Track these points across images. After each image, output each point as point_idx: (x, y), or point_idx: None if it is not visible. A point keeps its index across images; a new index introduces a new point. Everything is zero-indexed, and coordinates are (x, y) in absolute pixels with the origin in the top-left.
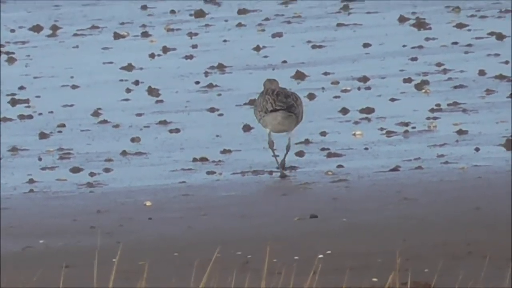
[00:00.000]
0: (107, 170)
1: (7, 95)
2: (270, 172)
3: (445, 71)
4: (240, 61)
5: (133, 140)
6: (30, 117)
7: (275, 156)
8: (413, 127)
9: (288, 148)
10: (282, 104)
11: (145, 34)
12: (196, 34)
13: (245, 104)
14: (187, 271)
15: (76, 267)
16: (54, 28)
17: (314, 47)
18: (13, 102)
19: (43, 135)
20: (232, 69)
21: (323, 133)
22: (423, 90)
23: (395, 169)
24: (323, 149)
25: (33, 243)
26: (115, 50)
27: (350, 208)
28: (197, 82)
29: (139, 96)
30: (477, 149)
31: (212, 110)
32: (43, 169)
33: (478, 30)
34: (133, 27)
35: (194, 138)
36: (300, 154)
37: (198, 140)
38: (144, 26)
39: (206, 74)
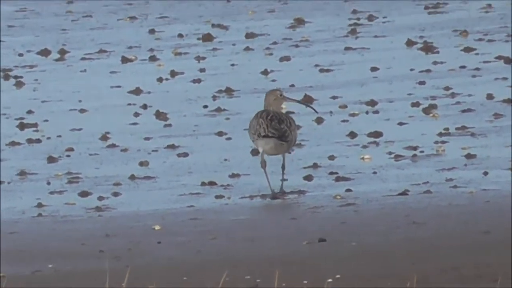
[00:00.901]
0: (115, 194)
1: (16, 119)
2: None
3: (453, 95)
4: (248, 85)
5: (141, 164)
6: (38, 141)
7: (267, 177)
8: (422, 151)
9: (283, 167)
10: (274, 132)
11: (153, 58)
12: (204, 58)
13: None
14: None
15: None
16: (62, 52)
17: (322, 71)
18: (22, 126)
19: (51, 159)
20: (240, 93)
21: (331, 157)
22: (431, 114)
23: (404, 193)
24: (331, 173)
25: (41, 267)
26: (123, 74)
27: (359, 232)
28: (205, 106)
29: (147, 120)
30: (485, 173)
31: (220, 134)
32: (51, 193)
33: (486, 54)
34: (141, 51)
35: (203, 162)
36: (308, 178)
37: (206, 164)
38: (152, 50)
39: (214, 98)
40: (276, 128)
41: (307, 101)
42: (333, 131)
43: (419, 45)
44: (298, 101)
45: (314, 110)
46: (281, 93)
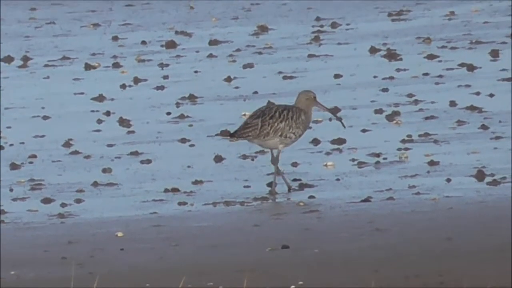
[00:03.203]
0: (78, 201)
1: None
2: (242, 203)
3: (416, 102)
4: (211, 92)
5: (104, 171)
6: (1, 148)
7: (281, 174)
8: (385, 158)
9: (274, 162)
10: (237, 129)
11: (116, 65)
12: (167, 65)
13: (216, 135)
14: None
15: None
16: (25, 59)
17: (285, 78)
18: None
19: (14, 166)
20: (204, 99)
21: (295, 164)
22: (395, 121)
23: (367, 199)
24: (294, 179)
25: (4, 274)
26: (86, 81)
27: (322, 239)
28: (169, 113)
29: (111, 127)
30: (448, 180)
31: (183, 141)
32: (14, 200)
33: (449, 61)
34: (104, 58)
35: (166, 169)
36: (271, 185)
37: (169, 171)
38: (115, 57)
39: (178, 105)
40: (241, 125)
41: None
42: None
43: (383, 52)
44: (328, 110)
45: (342, 124)
46: (314, 95)
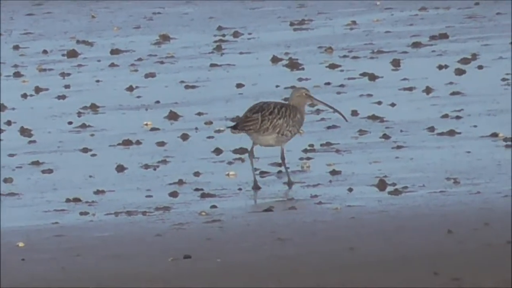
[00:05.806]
0: None
1: None
2: (144, 213)
3: (318, 111)
4: (113, 101)
5: (5, 180)
6: None
7: (252, 166)
8: (287, 168)
9: (281, 159)
10: (236, 122)
11: (17, 74)
12: (68, 74)
13: (118, 144)
14: None
15: None
16: None
17: (187, 87)
18: None
19: None
20: (105, 109)
21: (197, 174)
22: None
23: (269, 209)
24: (196, 189)
25: None
26: None
27: (224, 249)
28: (70, 122)
29: (11, 136)
30: (350, 190)
31: (85, 150)
32: None
33: (351, 71)
34: (5, 67)
35: (67, 179)
36: (173, 194)
37: (71, 181)
38: (16, 66)
39: (79, 114)
40: (241, 118)
41: (172, 117)
42: (198, 148)
43: (285, 62)
44: (326, 104)
45: (343, 117)
46: (306, 92)
